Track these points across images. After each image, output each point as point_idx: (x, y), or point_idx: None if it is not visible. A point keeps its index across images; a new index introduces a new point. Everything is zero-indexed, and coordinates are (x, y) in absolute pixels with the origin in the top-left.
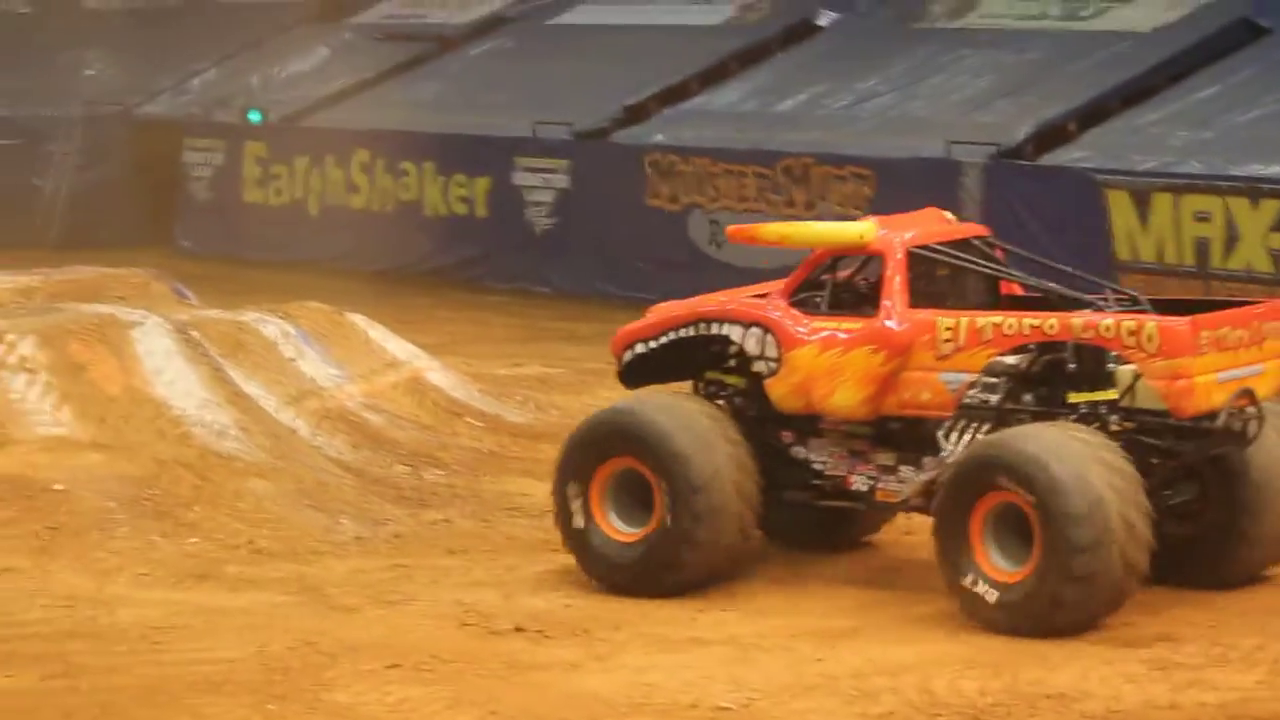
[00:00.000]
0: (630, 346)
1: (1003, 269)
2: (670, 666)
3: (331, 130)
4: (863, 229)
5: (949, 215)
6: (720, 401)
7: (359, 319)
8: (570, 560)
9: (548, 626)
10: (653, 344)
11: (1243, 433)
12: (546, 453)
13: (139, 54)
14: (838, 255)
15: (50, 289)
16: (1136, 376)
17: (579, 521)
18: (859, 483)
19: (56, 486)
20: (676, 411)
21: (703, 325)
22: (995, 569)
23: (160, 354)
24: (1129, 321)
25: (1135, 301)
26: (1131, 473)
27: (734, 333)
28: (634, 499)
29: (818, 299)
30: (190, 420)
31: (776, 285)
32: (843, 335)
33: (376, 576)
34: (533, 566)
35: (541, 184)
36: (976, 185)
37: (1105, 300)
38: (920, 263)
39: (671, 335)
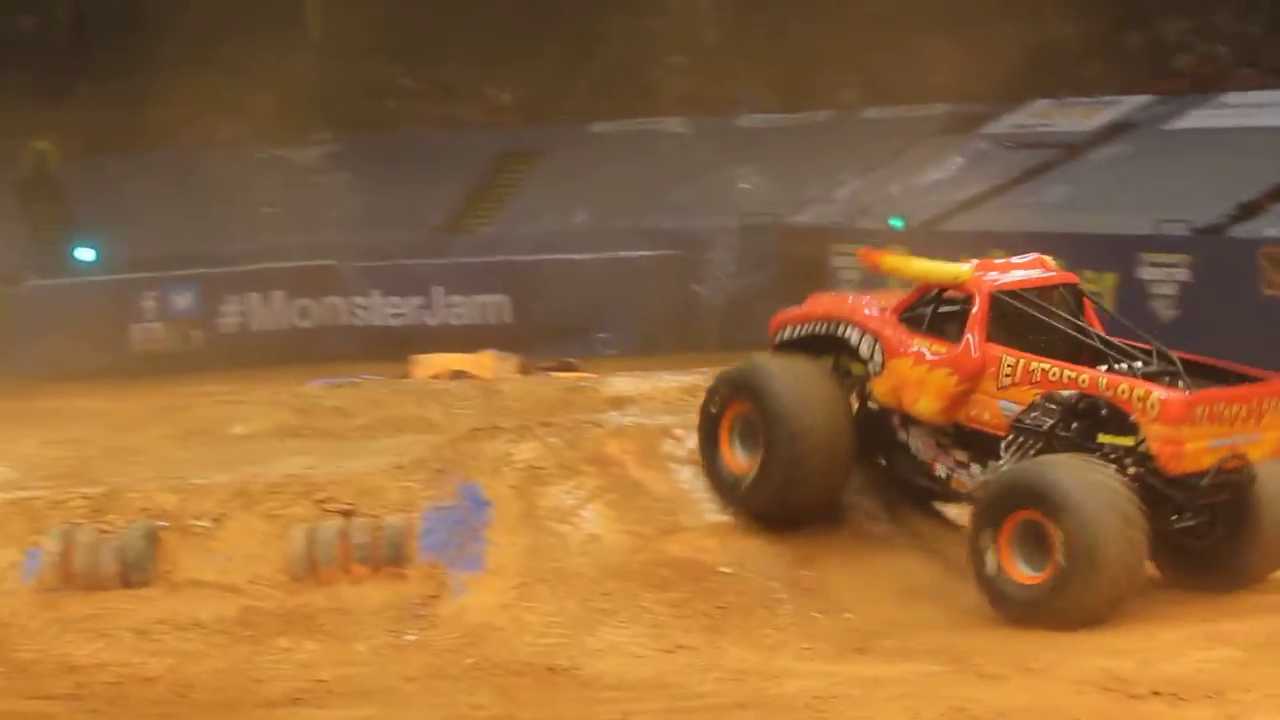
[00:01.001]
0: (781, 330)
1: (1063, 318)
2: None
3: (968, 233)
4: (960, 270)
5: (1050, 261)
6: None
7: None
8: (1204, 624)
9: (1183, 690)
10: (799, 330)
11: (1233, 486)
12: None
13: (788, 167)
14: (942, 288)
15: None
16: (1144, 435)
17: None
18: (941, 470)
19: (724, 569)
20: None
21: (833, 325)
22: (1019, 572)
23: None
24: (1139, 389)
25: (1169, 363)
26: (1133, 501)
27: (853, 335)
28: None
29: (921, 320)
30: (844, 502)
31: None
32: (930, 355)
33: (1023, 645)
34: (1168, 634)
35: (1164, 278)
36: None
37: (1146, 359)
38: (1002, 304)
39: (810, 328)
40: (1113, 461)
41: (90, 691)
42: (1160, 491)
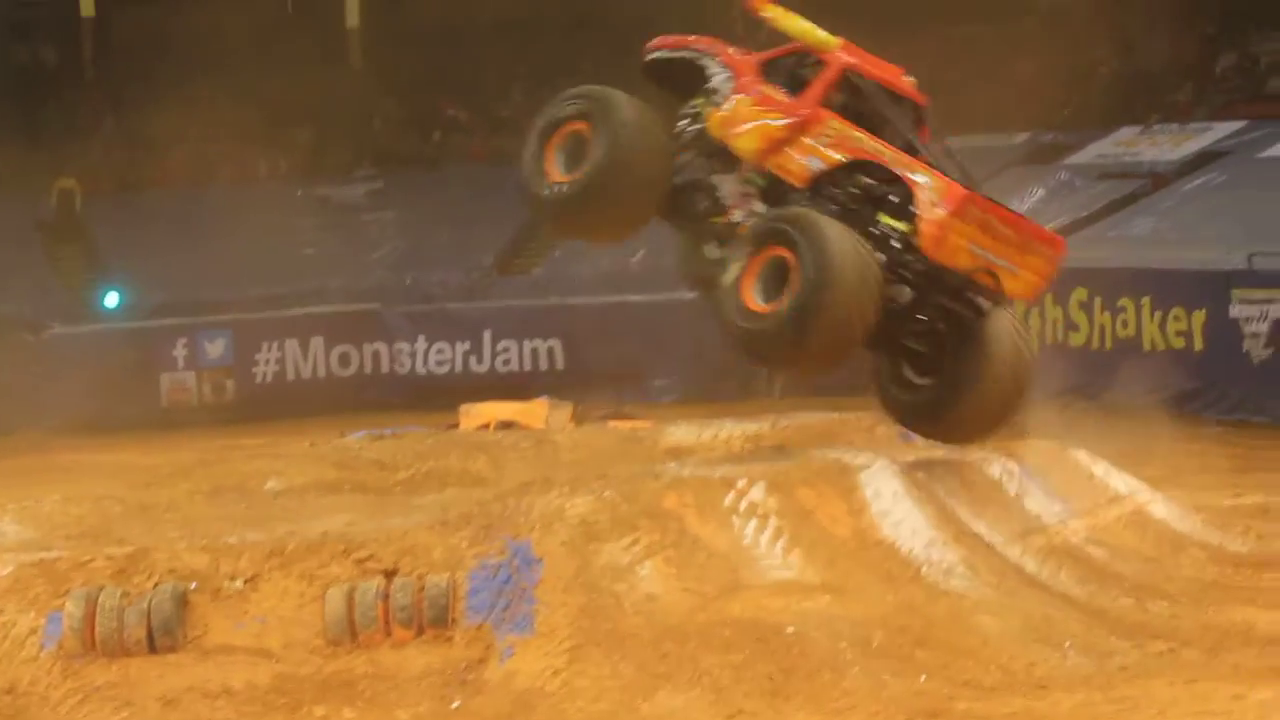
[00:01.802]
0: (657, 49)
1: (896, 116)
2: None
3: None
4: (829, 39)
5: (911, 80)
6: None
7: (1081, 454)
8: None
9: None
10: (671, 53)
11: (974, 301)
12: (1270, 581)
13: None
14: (807, 50)
15: (778, 435)
16: (918, 220)
17: None
18: (737, 215)
19: (788, 629)
20: None
21: (699, 54)
22: (753, 301)
23: (888, 496)
24: (932, 175)
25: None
26: (873, 260)
27: (712, 66)
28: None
29: (778, 70)
30: (918, 560)
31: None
32: (769, 98)
33: (1104, 709)
34: (1258, 694)
35: (1257, 315)
36: None
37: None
38: (850, 81)
39: (679, 53)
40: (881, 239)
41: None
42: (912, 271)
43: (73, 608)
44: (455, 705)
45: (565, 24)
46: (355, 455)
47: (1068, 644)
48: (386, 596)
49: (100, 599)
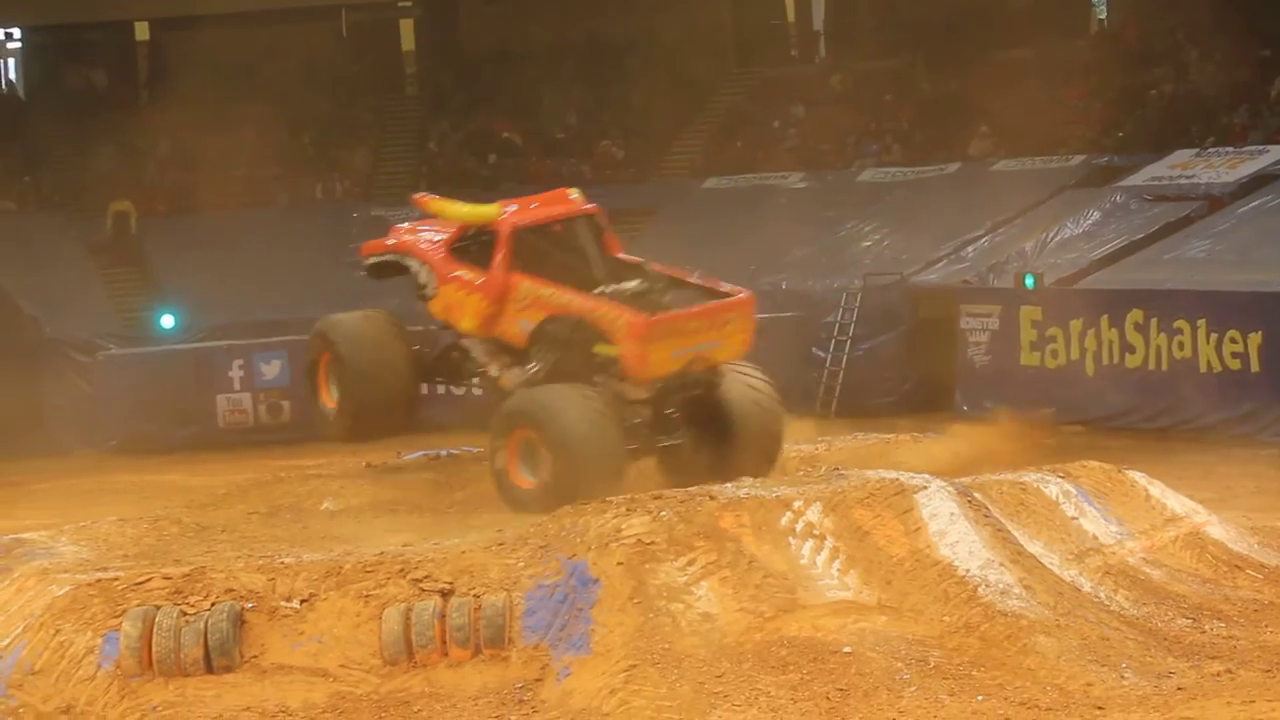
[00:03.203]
0: (369, 255)
1: (577, 247)
2: None
3: (1105, 291)
4: (488, 211)
5: (572, 193)
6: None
7: (1138, 476)
8: None
9: None
10: (380, 257)
11: (703, 384)
12: None
13: (914, 224)
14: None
15: (834, 456)
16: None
17: None
18: (493, 370)
19: (845, 649)
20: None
21: (401, 255)
22: (520, 478)
23: (944, 517)
24: (613, 312)
25: (657, 282)
26: (609, 410)
27: (414, 265)
28: None
29: (467, 250)
30: (975, 580)
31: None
32: (467, 281)
33: None
34: None
35: None
36: None
37: (642, 279)
38: (524, 238)
39: (386, 257)
40: (602, 369)
41: None
42: (636, 396)
43: (130, 627)
44: None
45: (618, 46)
46: (411, 476)
47: (1124, 664)
48: (443, 616)
49: (157, 619)
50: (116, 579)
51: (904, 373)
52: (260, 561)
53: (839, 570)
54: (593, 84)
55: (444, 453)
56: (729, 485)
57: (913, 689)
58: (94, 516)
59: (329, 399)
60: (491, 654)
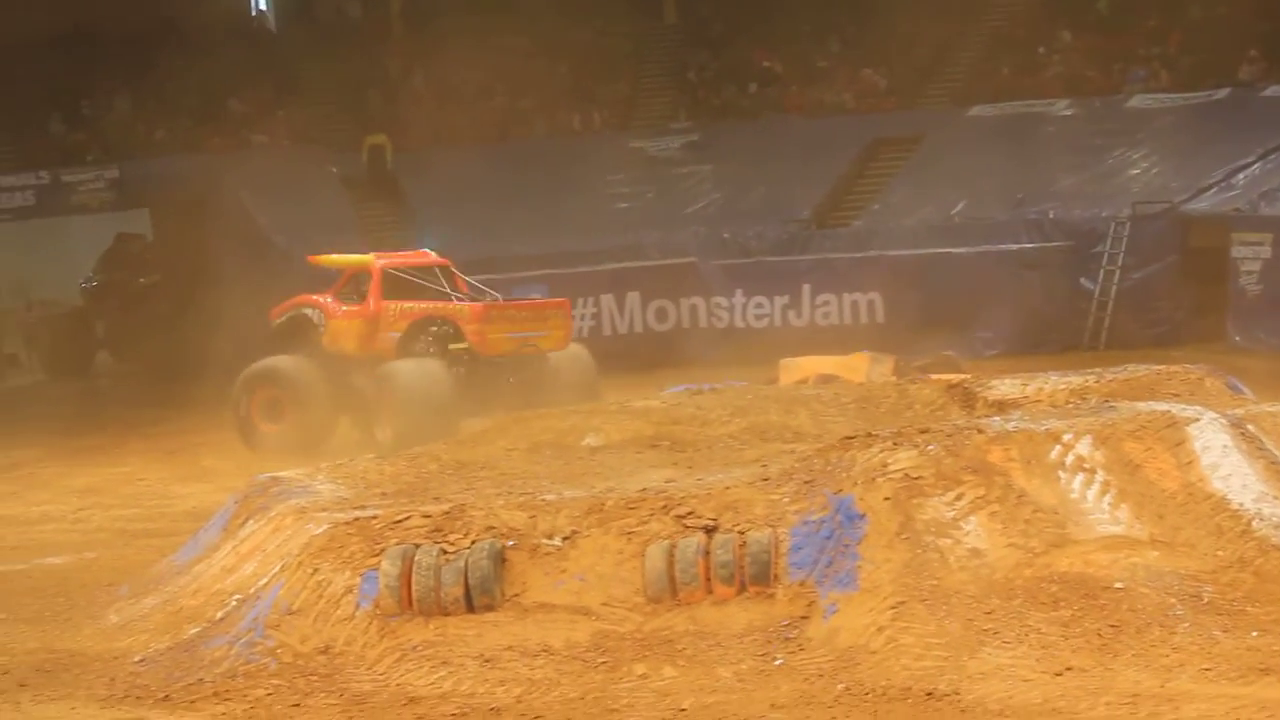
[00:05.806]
0: (278, 316)
1: (428, 285)
2: None
3: None
4: (363, 259)
5: (430, 253)
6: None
7: None
8: None
9: None
10: (285, 315)
11: (532, 361)
12: None
13: (1184, 151)
14: (357, 270)
15: (1104, 388)
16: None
17: None
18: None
19: (1116, 585)
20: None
21: (300, 308)
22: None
23: (1217, 449)
24: (463, 309)
25: (493, 299)
26: (442, 373)
27: (310, 312)
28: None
29: (351, 292)
30: (1249, 514)
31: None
32: (347, 312)
33: None
34: None
35: None
36: None
37: (482, 297)
38: (391, 275)
39: (290, 312)
40: (456, 360)
41: None
42: (484, 372)
43: (389, 566)
44: (778, 662)
45: None
46: (674, 411)
47: None
48: (707, 553)
49: (417, 557)
50: (375, 517)
51: (1174, 303)
52: (521, 499)
53: (1110, 504)
54: (855, 10)
55: (706, 387)
56: (996, 419)
57: (1186, 625)
58: (351, 454)
59: (268, 426)
60: (756, 591)
